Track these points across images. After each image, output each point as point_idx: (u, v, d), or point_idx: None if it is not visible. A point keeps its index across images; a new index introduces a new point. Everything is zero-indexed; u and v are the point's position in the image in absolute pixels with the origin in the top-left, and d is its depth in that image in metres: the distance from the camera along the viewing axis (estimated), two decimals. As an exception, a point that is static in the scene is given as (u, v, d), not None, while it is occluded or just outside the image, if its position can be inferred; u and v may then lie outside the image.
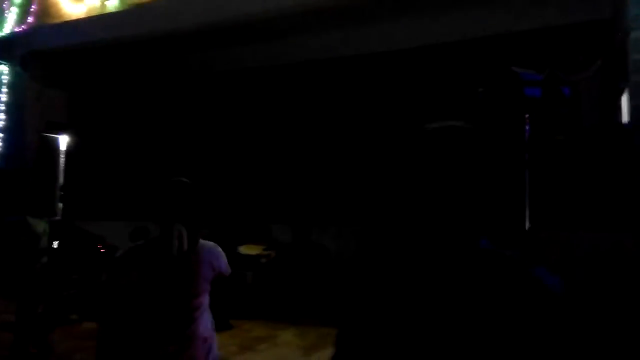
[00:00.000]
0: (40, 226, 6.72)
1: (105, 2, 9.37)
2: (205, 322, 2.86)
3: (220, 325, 6.79)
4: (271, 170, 9.27)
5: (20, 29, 10.38)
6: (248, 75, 9.66)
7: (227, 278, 6.59)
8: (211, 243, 2.94)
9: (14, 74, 11.04)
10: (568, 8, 7.09)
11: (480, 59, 7.49)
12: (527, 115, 6.26)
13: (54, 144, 11.10)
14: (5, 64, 11.21)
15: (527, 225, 6.39)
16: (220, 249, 2.96)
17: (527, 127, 6.40)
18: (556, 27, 7.07)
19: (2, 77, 11.21)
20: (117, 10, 9.25)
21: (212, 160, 9.76)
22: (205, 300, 2.86)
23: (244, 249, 7.90)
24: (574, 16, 7.10)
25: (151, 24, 9.01)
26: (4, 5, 10.57)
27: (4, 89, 11.11)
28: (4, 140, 10.99)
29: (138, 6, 8.94)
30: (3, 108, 11.04)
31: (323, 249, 7.65)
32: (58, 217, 10.40)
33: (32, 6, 10.28)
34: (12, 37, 10.49)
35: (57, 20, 9.92)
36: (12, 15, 10.48)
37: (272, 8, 8.00)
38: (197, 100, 10.20)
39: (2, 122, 11.01)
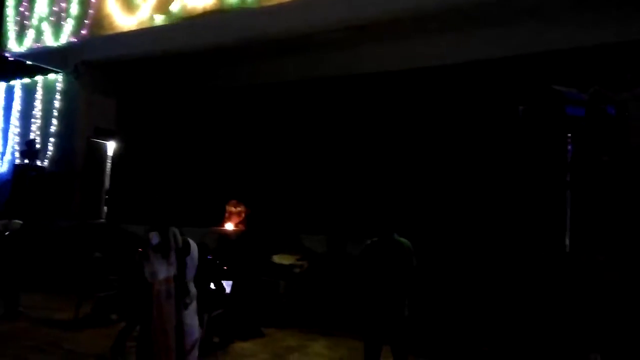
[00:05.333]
0: None
1: (154, 16, 9.73)
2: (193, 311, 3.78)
3: (252, 333, 6.91)
4: (306, 181, 9.37)
5: (75, 40, 10.90)
6: (286, 88, 9.86)
7: (260, 286, 7.08)
8: (193, 242, 3.85)
9: (66, 82, 11.61)
10: (615, 26, 6.95)
11: (522, 76, 7.40)
12: (569, 135, 6.13)
13: (102, 150, 11.60)
14: (59, 73, 11.81)
15: (568, 247, 6.23)
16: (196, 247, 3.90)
17: (569, 147, 6.26)
18: (603, 45, 6.93)
19: (56, 84, 11.81)
20: (165, 24, 9.59)
21: (250, 169, 9.95)
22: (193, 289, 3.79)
23: (277, 258, 7.98)
24: (621, 34, 6.96)
25: (196, 38, 9.34)
26: (62, 16, 11.13)
27: (57, 96, 11.69)
28: (55, 144, 11.52)
29: (185, 20, 9.26)
30: (55, 114, 11.61)
31: (357, 260, 7.64)
32: (102, 220, 10.84)
33: (87, 18, 10.77)
34: (67, 48, 11.02)
35: (109, 32, 10.36)
36: (68, 26, 11.02)
37: (315, 24, 8.19)
38: (237, 111, 10.45)
39: (54, 128, 11.56)
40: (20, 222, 7.82)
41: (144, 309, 3.59)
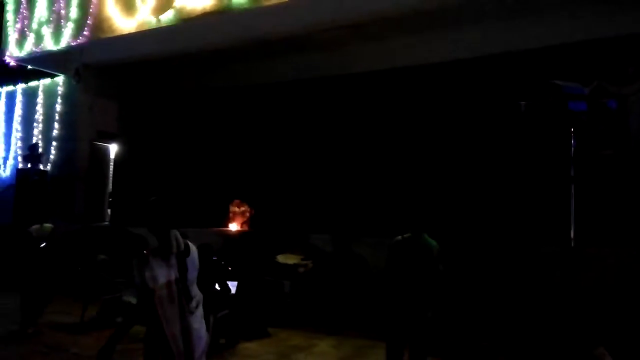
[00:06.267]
0: None
1: (154, 18, 9.73)
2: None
3: (258, 333, 6.91)
4: (310, 181, 9.37)
5: (75, 43, 10.90)
6: (289, 87, 9.86)
7: (265, 286, 6.83)
8: (193, 245, 3.63)
9: (68, 86, 11.62)
10: (616, 20, 6.92)
11: (524, 71, 7.38)
12: (572, 130, 6.12)
13: (104, 153, 11.62)
14: (60, 77, 11.82)
15: (572, 240, 6.23)
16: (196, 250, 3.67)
17: (572, 142, 6.26)
18: (604, 39, 6.91)
19: (57, 88, 11.82)
20: (164, 25, 9.59)
21: (253, 169, 9.94)
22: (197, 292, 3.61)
23: (282, 258, 7.98)
24: (623, 28, 6.93)
25: (195, 39, 9.34)
26: (61, 20, 11.14)
27: (59, 100, 11.70)
28: (57, 148, 11.54)
29: (184, 22, 9.26)
30: (57, 118, 11.63)
31: (361, 259, 7.65)
32: (106, 223, 10.86)
33: (87, 21, 10.78)
34: (68, 51, 11.03)
35: (109, 35, 10.37)
36: (68, 29, 11.03)
37: (314, 24, 8.19)
38: (239, 111, 10.45)
39: (56, 131, 11.58)
40: (51, 225, 7.26)
41: (147, 313, 3.52)
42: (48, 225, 7.26)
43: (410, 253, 4.46)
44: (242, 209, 8.66)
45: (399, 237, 4.56)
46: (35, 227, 7.19)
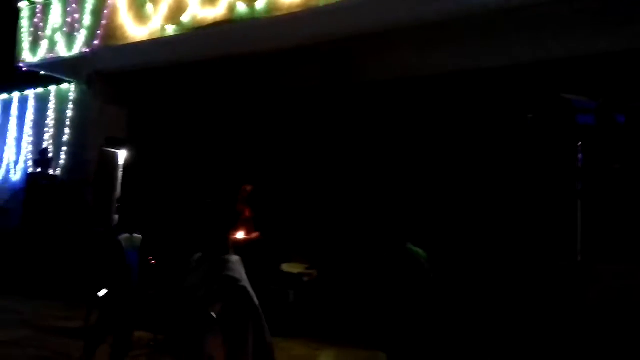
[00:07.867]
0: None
1: (166, 26, 9.84)
2: None
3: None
4: (316, 189, 9.37)
5: (87, 50, 11.05)
6: (298, 95, 9.90)
7: (269, 295, 6.63)
8: None
9: (79, 92, 11.77)
10: (627, 33, 6.90)
11: (531, 84, 7.37)
12: (579, 143, 6.07)
13: (114, 159, 11.72)
14: (72, 83, 11.97)
15: (579, 257, 6.15)
16: None
17: (579, 156, 6.20)
18: (612, 53, 6.89)
19: (69, 94, 11.97)
20: (175, 34, 9.69)
21: (261, 177, 9.96)
22: None
23: (286, 267, 7.98)
24: (632, 42, 6.91)
25: (206, 48, 9.44)
26: (75, 27, 11.29)
27: (70, 106, 11.85)
28: (67, 154, 11.66)
29: (195, 30, 9.35)
30: (68, 123, 11.76)
31: (370, 268, 7.61)
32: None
33: (100, 29, 10.92)
34: (80, 58, 11.17)
35: (122, 42, 10.49)
36: (81, 36, 11.17)
37: (325, 34, 8.24)
38: (247, 119, 10.50)
39: (66, 137, 11.71)
40: (140, 236, 6.37)
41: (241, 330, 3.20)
42: (138, 235, 6.40)
43: (398, 268, 4.25)
44: (248, 216, 8.66)
45: (380, 253, 4.39)
46: (125, 236, 6.29)
